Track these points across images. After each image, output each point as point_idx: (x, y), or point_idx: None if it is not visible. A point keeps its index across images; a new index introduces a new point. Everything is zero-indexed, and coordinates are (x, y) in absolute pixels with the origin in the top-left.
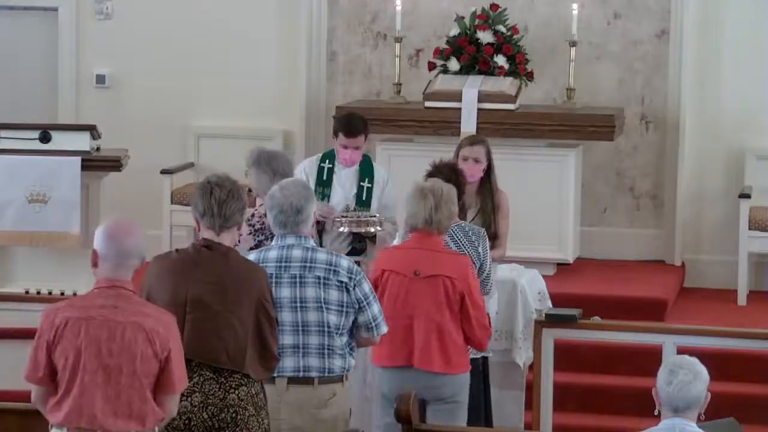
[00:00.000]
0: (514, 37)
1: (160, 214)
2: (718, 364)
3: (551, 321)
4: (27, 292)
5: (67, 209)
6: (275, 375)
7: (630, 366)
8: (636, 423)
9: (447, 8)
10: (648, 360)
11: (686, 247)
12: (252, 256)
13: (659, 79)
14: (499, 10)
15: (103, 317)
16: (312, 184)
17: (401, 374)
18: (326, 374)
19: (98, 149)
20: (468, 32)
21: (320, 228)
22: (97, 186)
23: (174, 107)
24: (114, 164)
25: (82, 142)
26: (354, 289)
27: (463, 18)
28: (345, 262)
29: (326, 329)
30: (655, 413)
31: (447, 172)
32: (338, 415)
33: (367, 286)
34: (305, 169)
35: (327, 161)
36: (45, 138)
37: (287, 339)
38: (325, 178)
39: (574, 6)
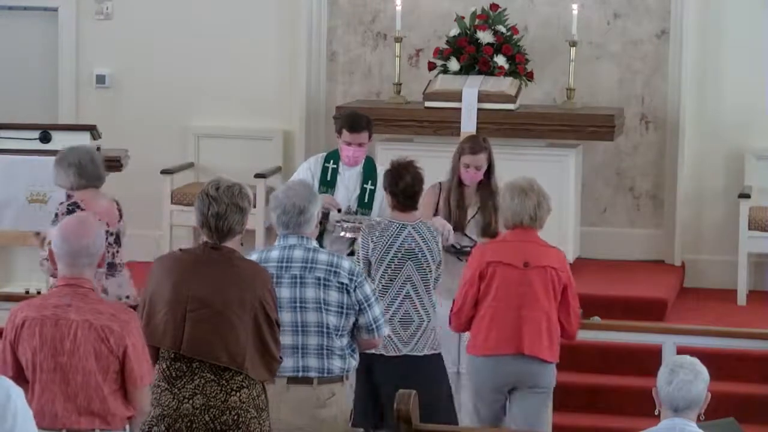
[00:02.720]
0: (514, 37)
1: (160, 214)
2: (718, 364)
3: None
4: (27, 292)
5: None
6: (276, 374)
7: (630, 366)
8: (636, 423)
9: (447, 8)
10: (648, 360)
11: (686, 247)
12: (254, 256)
13: (659, 79)
14: (499, 10)
15: (56, 316)
16: (315, 183)
17: (508, 361)
18: (325, 374)
19: (98, 149)
20: (468, 32)
21: (322, 229)
22: None
23: (174, 107)
24: (114, 164)
25: (82, 142)
26: (355, 290)
27: (463, 18)
28: (346, 263)
29: (325, 330)
30: (656, 413)
31: (413, 170)
32: (338, 414)
33: (368, 288)
34: (311, 168)
35: (331, 161)
36: (45, 138)
37: (287, 339)
38: (329, 178)
39: (574, 6)
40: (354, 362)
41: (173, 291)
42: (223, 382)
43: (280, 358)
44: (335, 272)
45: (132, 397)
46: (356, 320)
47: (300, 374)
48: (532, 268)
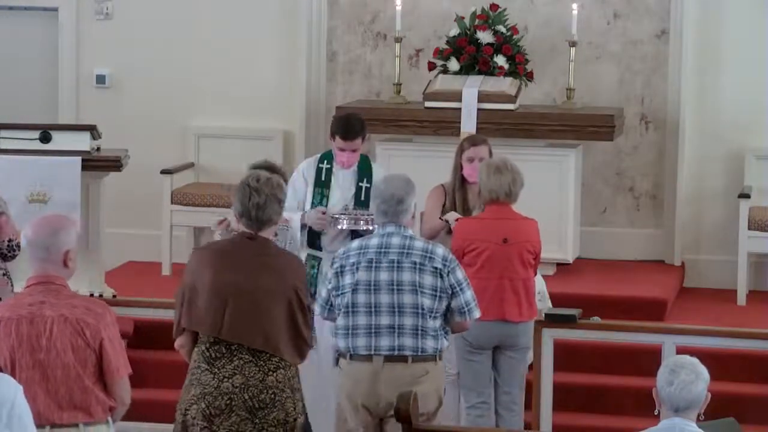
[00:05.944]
0: (514, 37)
1: (160, 214)
2: (718, 364)
3: (551, 321)
4: None
5: (67, 209)
6: (372, 353)
7: (630, 366)
8: (636, 423)
9: (447, 8)
10: (648, 360)
11: (686, 247)
12: (355, 244)
13: (659, 79)
14: (499, 10)
15: (31, 315)
16: (310, 186)
17: (492, 326)
18: (419, 353)
19: (98, 149)
20: (468, 32)
21: (319, 231)
22: (97, 186)
23: (174, 107)
24: (114, 164)
25: (82, 142)
26: (448, 275)
27: (463, 18)
28: (440, 250)
29: (420, 311)
30: (655, 413)
31: (279, 169)
32: (431, 391)
33: (460, 274)
34: (303, 172)
35: (325, 162)
36: (45, 138)
37: (384, 320)
38: (323, 179)
39: (574, 6)
40: (446, 343)
41: (213, 279)
42: (261, 363)
43: (312, 343)
44: (430, 258)
45: (111, 389)
46: (449, 303)
47: (396, 353)
48: (511, 243)
